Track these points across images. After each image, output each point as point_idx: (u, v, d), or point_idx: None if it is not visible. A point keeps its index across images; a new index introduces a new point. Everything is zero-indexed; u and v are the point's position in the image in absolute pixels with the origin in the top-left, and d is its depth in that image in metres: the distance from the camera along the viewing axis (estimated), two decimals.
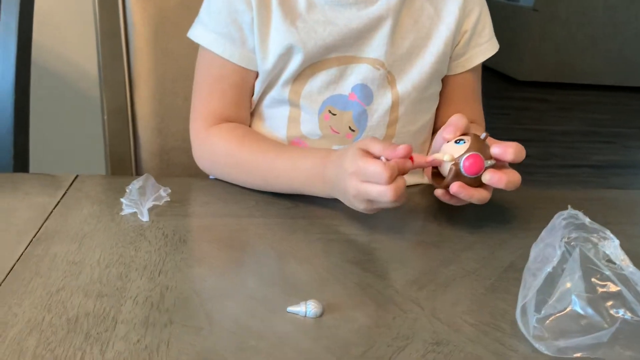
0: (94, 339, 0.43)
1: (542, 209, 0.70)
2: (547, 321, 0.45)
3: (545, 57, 4.37)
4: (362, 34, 0.69)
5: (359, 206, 0.59)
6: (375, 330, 0.47)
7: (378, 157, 0.57)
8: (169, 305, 0.48)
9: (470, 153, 0.58)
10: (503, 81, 4.43)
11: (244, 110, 0.73)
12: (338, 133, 0.71)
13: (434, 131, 0.78)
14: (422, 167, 0.62)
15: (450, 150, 0.59)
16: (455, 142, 0.59)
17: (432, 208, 0.69)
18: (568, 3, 4.28)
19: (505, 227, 0.65)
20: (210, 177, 0.80)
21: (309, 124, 0.71)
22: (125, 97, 0.96)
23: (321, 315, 0.48)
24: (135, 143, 0.98)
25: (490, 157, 0.59)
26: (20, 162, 1.07)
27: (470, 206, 0.62)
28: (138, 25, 0.95)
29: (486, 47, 0.76)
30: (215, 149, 0.70)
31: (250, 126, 0.75)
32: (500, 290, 0.53)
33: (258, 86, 0.72)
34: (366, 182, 0.56)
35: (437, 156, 0.59)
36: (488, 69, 4.41)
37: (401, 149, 0.56)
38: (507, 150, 0.58)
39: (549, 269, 0.45)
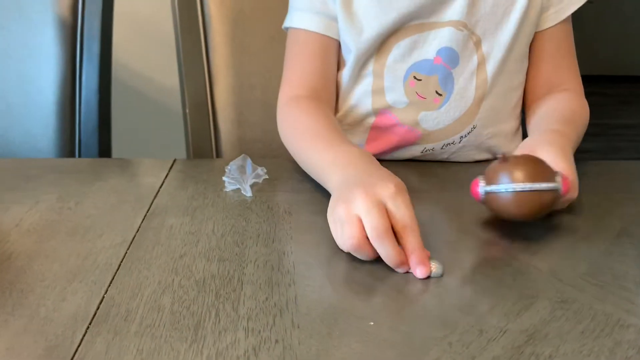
0: (224, 298, 0.44)
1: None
2: None
3: (600, 50, 4.23)
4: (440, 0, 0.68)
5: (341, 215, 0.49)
6: (498, 291, 0.46)
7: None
8: (289, 268, 0.49)
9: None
10: None
11: (330, 79, 0.74)
12: (424, 98, 0.71)
13: (526, 93, 0.76)
14: None
15: None
16: None
17: None
18: None
19: (610, 196, 0.63)
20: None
21: (394, 93, 0.71)
22: (205, 91, 0.99)
23: (441, 275, 0.48)
24: (215, 135, 1.00)
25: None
26: (105, 157, 1.11)
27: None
28: (215, 21, 0.97)
29: None
30: (296, 121, 0.69)
31: (336, 107, 0.76)
32: (617, 254, 0.52)
33: (352, 63, 0.72)
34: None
35: None
36: None
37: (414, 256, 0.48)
38: None
39: None
